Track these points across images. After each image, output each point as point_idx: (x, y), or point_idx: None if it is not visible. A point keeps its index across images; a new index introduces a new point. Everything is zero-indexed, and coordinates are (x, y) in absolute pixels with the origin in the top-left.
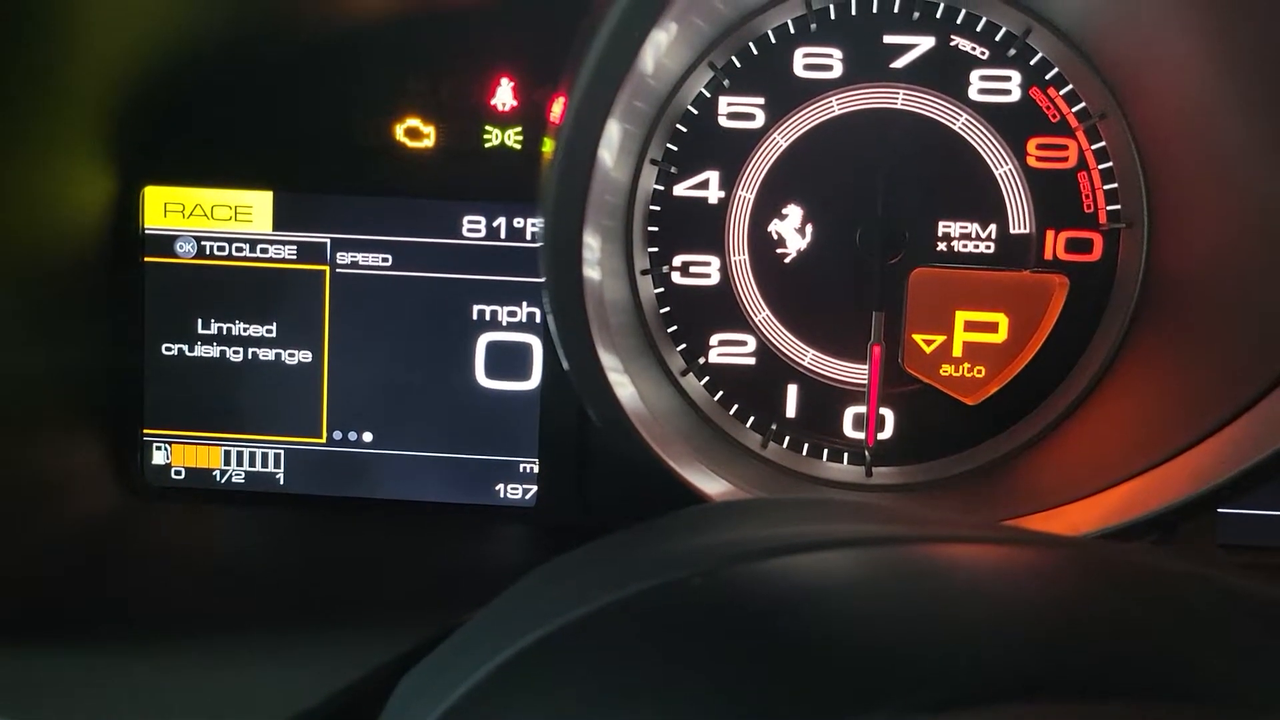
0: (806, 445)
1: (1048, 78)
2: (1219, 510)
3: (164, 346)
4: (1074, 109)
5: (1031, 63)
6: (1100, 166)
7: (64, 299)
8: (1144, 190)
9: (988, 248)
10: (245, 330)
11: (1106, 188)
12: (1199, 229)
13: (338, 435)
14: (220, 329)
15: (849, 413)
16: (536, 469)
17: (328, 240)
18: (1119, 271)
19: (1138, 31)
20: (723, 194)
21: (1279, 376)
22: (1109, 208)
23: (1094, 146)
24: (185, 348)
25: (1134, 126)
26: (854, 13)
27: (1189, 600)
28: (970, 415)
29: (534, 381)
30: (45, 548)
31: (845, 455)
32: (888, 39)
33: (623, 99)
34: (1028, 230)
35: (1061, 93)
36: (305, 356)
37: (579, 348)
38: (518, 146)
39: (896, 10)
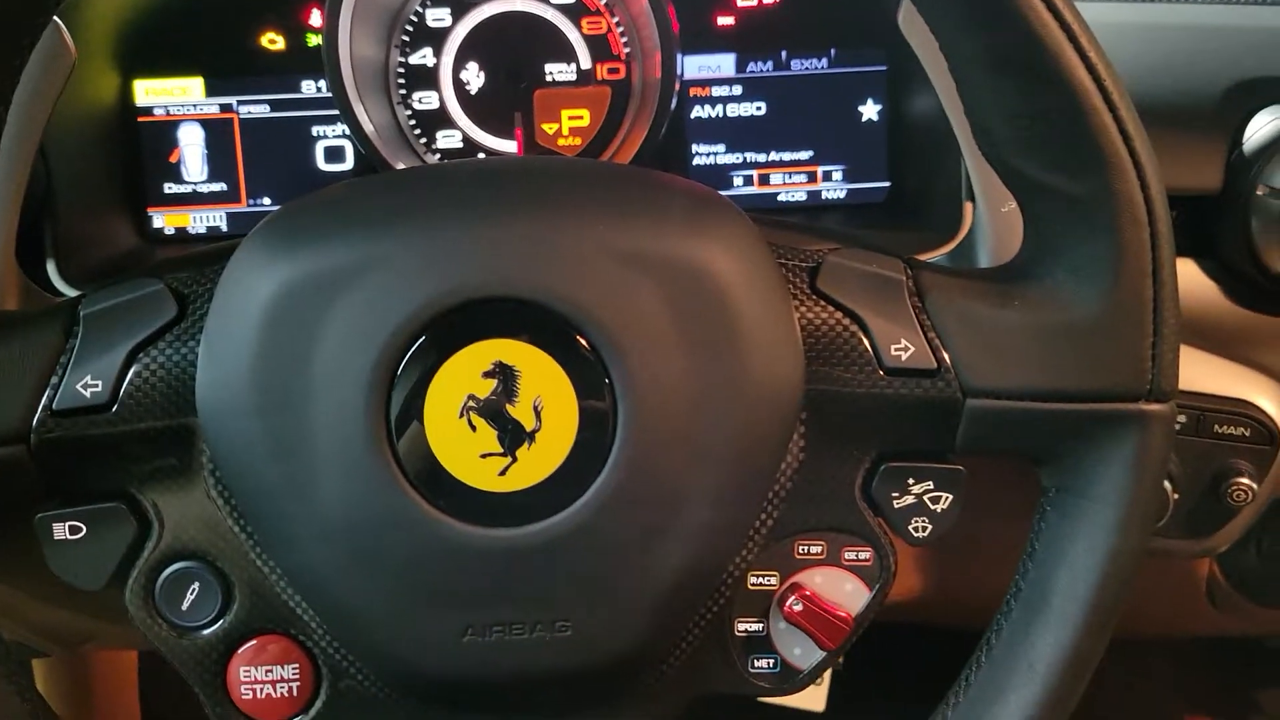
0: None
1: None
2: None
3: (152, 163)
4: (603, 3)
5: None
6: (619, 30)
7: (101, 141)
8: (638, 39)
9: (572, 76)
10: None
11: (623, 40)
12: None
13: (251, 202)
14: (180, 152)
15: None
16: None
17: (234, 100)
18: (633, 83)
19: None
20: (435, 59)
21: None
22: (625, 50)
23: (614, 19)
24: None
25: (612, 9)
26: None
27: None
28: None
29: (350, 165)
30: (108, 260)
31: None
32: None
33: (365, 14)
34: (589, 66)
35: None
36: (229, 162)
37: (365, 144)
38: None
39: None
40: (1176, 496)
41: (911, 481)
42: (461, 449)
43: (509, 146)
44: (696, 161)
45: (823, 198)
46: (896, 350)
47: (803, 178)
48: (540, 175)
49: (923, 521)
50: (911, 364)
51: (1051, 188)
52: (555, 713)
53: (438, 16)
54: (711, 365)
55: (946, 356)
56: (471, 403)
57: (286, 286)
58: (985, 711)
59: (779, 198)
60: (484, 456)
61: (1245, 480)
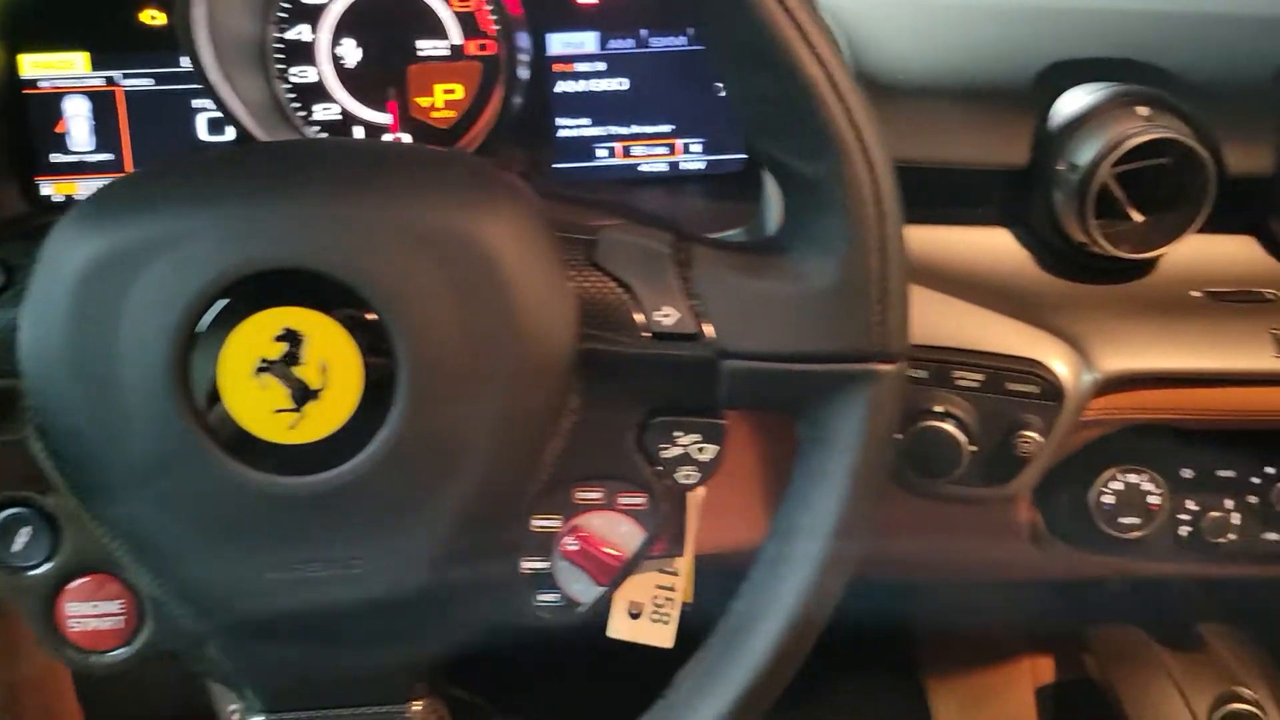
0: None
1: None
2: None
3: (38, 133)
4: None
5: None
6: (487, 8)
7: None
8: (508, 21)
9: (445, 51)
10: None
11: (492, 18)
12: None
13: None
14: (66, 123)
15: (388, 137)
16: None
17: (120, 74)
18: (501, 59)
19: None
20: (313, 36)
21: None
22: (494, 28)
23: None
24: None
25: None
26: None
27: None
28: (446, 131)
29: (232, 135)
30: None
31: None
32: None
33: None
34: (460, 41)
35: None
36: (114, 133)
37: (232, 117)
38: None
39: None
40: (974, 449)
41: (679, 434)
42: (255, 406)
43: (386, 119)
44: (561, 134)
45: (682, 169)
46: (659, 316)
47: (664, 150)
48: (331, 155)
49: (690, 470)
50: (674, 329)
51: (793, 169)
52: (357, 642)
53: None
54: (485, 329)
55: (705, 322)
56: (263, 364)
57: (94, 260)
58: (744, 634)
59: (640, 168)
60: (277, 412)
61: (1032, 433)
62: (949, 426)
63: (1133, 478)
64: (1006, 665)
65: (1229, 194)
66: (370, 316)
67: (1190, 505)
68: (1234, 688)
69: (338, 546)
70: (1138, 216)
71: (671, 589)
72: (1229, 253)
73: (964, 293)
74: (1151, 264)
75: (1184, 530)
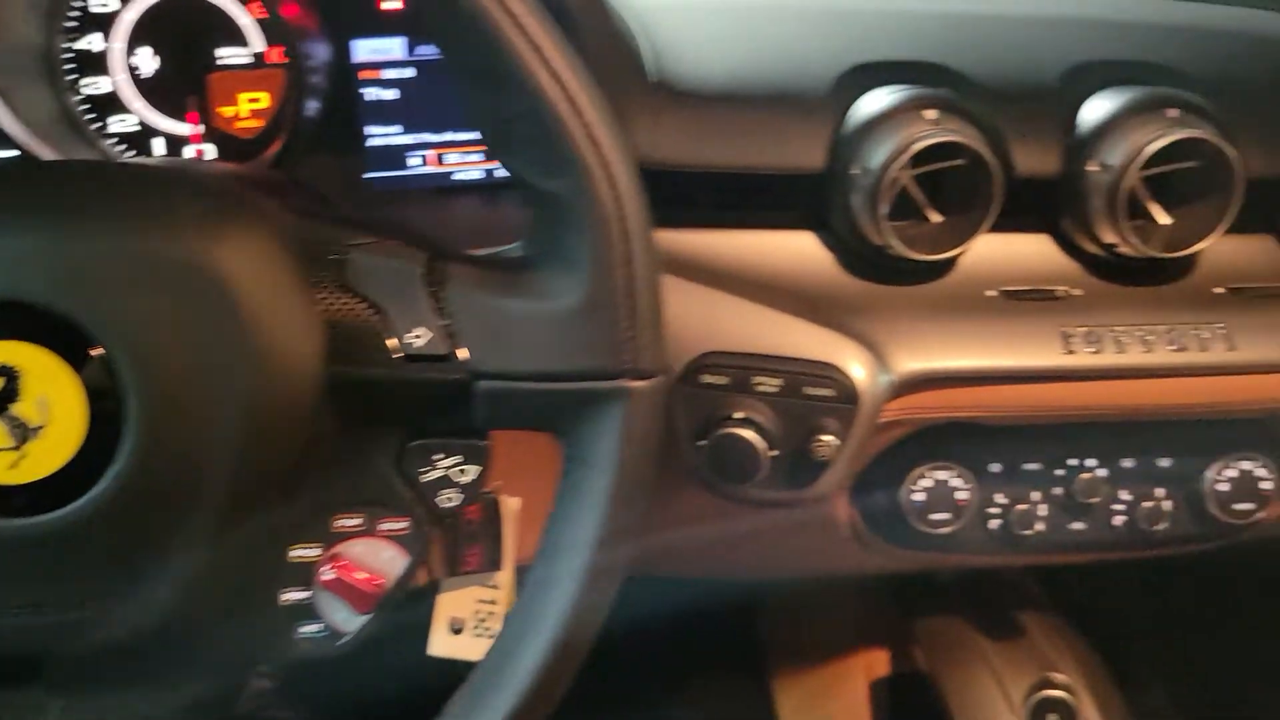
0: None
1: None
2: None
3: None
4: None
5: None
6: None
7: None
8: (287, 30)
9: (247, 59)
10: None
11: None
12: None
13: None
14: None
15: (190, 148)
16: None
17: None
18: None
19: None
20: (105, 45)
21: None
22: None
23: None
24: None
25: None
26: None
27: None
28: (251, 141)
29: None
30: None
31: None
32: None
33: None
34: (263, 49)
35: None
36: None
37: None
38: None
39: None
40: (775, 453)
41: (439, 456)
42: None
43: (187, 129)
44: (371, 142)
45: (498, 176)
46: (410, 338)
47: (478, 156)
48: (53, 179)
49: (451, 493)
50: (426, 350)
51: (535, 186)
52: (106, 687)
53: (103, 1)
54: (219, 357)
55: (458, 343)
56: None
57: None
58: (511, 656)
59: (454, 176)
60: None
61: (828, 436)
62: (748, 433)
63: (941, 474)
64: (844, 660)
65: (1021, 194)
66: (94, 350)
67: (999, 499)
68: (1048, 674)
69: (68, 589)
70: (936, 218)
71: (494, 602)
72: (1024, 252)
73: (766, 297)
74: (949, 265)
75: (993, 524)
